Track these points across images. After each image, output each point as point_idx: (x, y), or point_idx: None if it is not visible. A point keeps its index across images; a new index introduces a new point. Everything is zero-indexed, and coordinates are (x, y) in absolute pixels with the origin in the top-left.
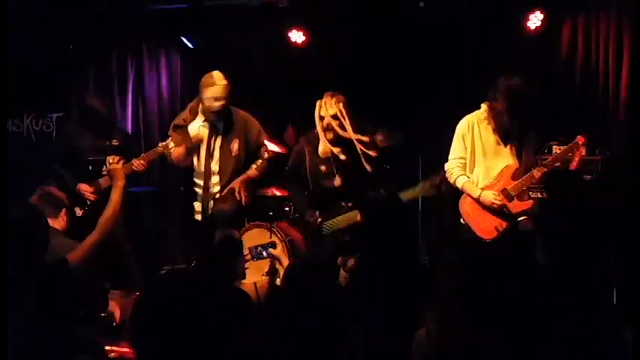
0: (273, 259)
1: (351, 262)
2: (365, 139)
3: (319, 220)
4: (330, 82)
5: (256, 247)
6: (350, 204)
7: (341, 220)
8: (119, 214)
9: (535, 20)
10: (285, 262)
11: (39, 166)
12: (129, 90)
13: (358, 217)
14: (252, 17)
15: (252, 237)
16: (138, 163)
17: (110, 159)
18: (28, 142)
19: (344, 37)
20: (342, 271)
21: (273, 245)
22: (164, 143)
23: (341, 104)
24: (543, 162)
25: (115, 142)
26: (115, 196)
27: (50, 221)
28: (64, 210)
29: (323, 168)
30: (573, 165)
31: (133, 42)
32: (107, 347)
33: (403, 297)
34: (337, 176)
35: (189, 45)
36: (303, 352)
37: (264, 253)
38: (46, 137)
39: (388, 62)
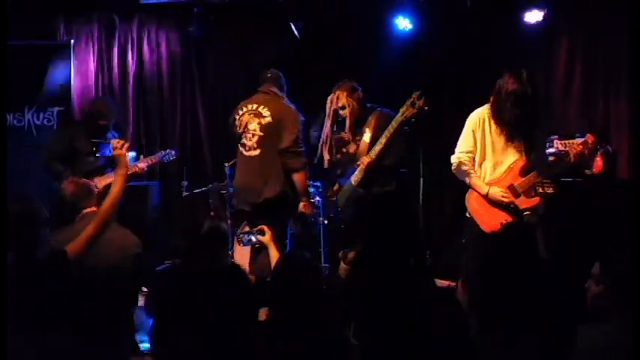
0: (262, 245)
1: (351, 254)
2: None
3: (336, 189)
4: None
5: (246, 233)
6: (358, 163)
7: (350, 183)
8: (118, 204)
9: (535, 18)
10: (273, 250)
11: (40, 160)
12: (130, 85)
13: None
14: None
15: None
16: (138, 167)
17: (114, 142)
18: (29, 136)
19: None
20: (342, 263)
21: (262, 232)
22: (165, 152)
23: (345, 94)
24: (551, 159)
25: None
26: (117, 185)
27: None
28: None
29: (344, 135)
30: (596, 169)
31: (134, 35)
32: None
33: (402, 291)
34: (353, 143)
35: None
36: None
37: (253, 239)
38: (47, 131)
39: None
